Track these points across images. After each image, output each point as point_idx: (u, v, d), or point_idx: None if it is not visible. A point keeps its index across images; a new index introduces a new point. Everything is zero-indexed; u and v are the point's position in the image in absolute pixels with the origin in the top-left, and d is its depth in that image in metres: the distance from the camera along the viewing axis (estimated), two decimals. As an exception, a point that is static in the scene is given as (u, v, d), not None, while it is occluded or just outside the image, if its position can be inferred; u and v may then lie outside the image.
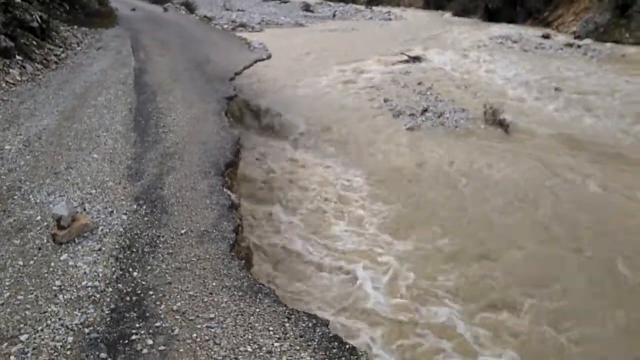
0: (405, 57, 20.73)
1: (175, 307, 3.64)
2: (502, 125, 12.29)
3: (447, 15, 39.93)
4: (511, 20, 32.76)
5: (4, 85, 9.16)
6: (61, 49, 12.73)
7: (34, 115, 7.87)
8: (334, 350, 3.30)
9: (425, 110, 13.61)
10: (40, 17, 12.90)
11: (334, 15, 41.15)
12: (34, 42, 11.80)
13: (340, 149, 11.38)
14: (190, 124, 7.72)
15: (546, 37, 26.30)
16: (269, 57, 14.11)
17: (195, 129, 7.52)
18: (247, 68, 12.59)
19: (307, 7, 43.50)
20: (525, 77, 17.76)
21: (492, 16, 34.26)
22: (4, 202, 5.10)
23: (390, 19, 39.46)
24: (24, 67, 10.31)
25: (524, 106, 14.47)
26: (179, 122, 7.73)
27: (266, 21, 34.00)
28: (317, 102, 14.91)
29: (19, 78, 9.72)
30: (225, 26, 27.49)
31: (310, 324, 3.54)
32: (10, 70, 9.78)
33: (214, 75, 11.05)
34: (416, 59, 20.61)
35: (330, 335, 3.45)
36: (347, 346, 3.34)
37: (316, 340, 3.39)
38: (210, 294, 3.81)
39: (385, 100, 14.78)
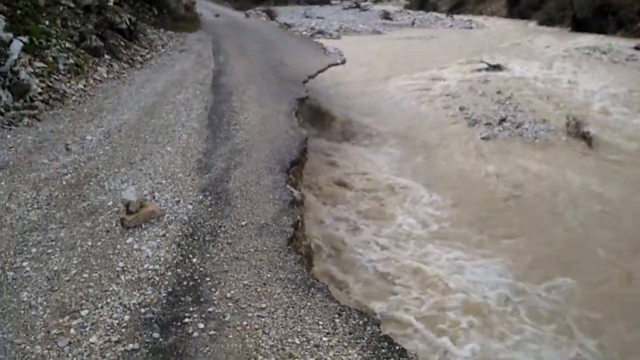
0: (485, 66, 20.16)
1: (229, 295, 3.68)
2: (586, 138, 11.64)
3: (532, 24, 38.30)
4: (601, 30, 30.97)
5: (91, 81, 9.73)
6: (147, 50, 13.39)
7: (116, 109, 8.29)
8: (383, 351, 3.20)
9: (502, 120, 13.15)
10: (130, 19, 13.65)
11: (412, 23, 40.75)
12: (122, 43, 12.49)
13: (411, 156, 11.22)
14: (261, 122, 7.86)
15: (639, 48, 24.72)
16: (343, 62, 14.17)
17: (265, 127, 7.64)
18: (321, 72, 12.69)
19: (386, 15, 43.42)
20: (612, 90, 16.72)
21: (580, 26, 32.59)
22: (81, 188, 5.38)
23: (471, 28, 38.50)
24: (111, 66, 10.92)
25: (609, 119, 13.64)
26: (250, 121, 7.89)
27: (344, 29, 34.23)
28: (390, 109, 14.79)
29: (105, 75, 10.30)
30: (304, 33, 27.91)
31: (361, 322, 3.46)
32: (99, 68, 10.38)
33: (288, 77, 11.20)
34: (496, 67, 19.98)
35: (381, 335, 3.36)
36: (397, 347, 3.24)
37: (365, 338, 3.31)
38: (264, 284, 3.82)
39: (461, 109, 14.43)
